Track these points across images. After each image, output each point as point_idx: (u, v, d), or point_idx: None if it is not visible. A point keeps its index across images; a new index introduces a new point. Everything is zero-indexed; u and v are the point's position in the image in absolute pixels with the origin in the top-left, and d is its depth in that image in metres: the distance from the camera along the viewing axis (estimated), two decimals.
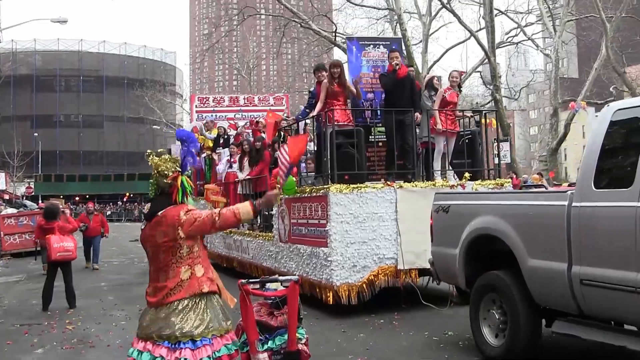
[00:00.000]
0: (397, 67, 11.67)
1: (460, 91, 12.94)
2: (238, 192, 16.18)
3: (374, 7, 33.88)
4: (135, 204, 74.72)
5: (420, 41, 32.81)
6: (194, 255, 5.39)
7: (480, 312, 7.84)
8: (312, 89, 13.35)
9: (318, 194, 11.05)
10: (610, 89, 35.40)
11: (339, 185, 10.71)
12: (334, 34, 31.80)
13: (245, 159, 15.94)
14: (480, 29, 31.05)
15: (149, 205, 5.58)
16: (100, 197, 76.77)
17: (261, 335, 5.85)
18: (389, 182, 11.06)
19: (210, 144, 19.96)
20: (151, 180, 5.53)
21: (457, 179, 11.85)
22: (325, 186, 10.95)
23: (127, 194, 77.99)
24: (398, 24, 30.29)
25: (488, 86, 38.36)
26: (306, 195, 11.48)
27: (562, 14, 30.21)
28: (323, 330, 9.79)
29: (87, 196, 75.10)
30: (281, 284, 6.10)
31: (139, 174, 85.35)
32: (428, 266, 9.65)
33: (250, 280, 5.96)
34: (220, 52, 57.84)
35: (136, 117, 78.46)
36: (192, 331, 5.24)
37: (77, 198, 73.27)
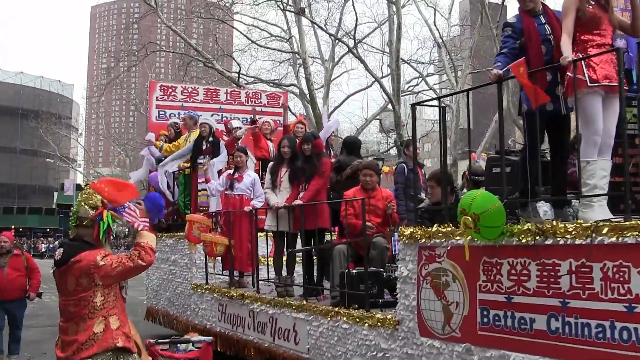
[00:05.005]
0: None
1: None
2: (266, 227, 9.50)
3: (280, 50, 33.82)
4: (24, 238, 72.08)
5: (322, 86, 32.97)
6: (109, 305, 4.87)
7: None
8: (512, 21, 6.39)
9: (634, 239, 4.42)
10: (509, 141, 36.14)
11: None
12: (237, 75, 31.66)
13: (283, 170, 9.43)
14: (384, 77, 31.36)
15: (60, 250, 4.96)
16: None
17: None
18: None
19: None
20: (73, 210, 5.05)
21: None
22: None
23: (13, 228, 75.21)
24: (302, 68, 30.34)
25: (386, 134, 38.78)
26: (570, 240, 4.82)
27: (464, 65, 30.86)
28: None
29: None
30: (192, 345, 5.77)
31: (30, 207, 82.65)
32: None
33: (159, 340, 5.53)
34: (119, 87, 56.87)
35: (29, 149, 76.26)
36: None
37: None
